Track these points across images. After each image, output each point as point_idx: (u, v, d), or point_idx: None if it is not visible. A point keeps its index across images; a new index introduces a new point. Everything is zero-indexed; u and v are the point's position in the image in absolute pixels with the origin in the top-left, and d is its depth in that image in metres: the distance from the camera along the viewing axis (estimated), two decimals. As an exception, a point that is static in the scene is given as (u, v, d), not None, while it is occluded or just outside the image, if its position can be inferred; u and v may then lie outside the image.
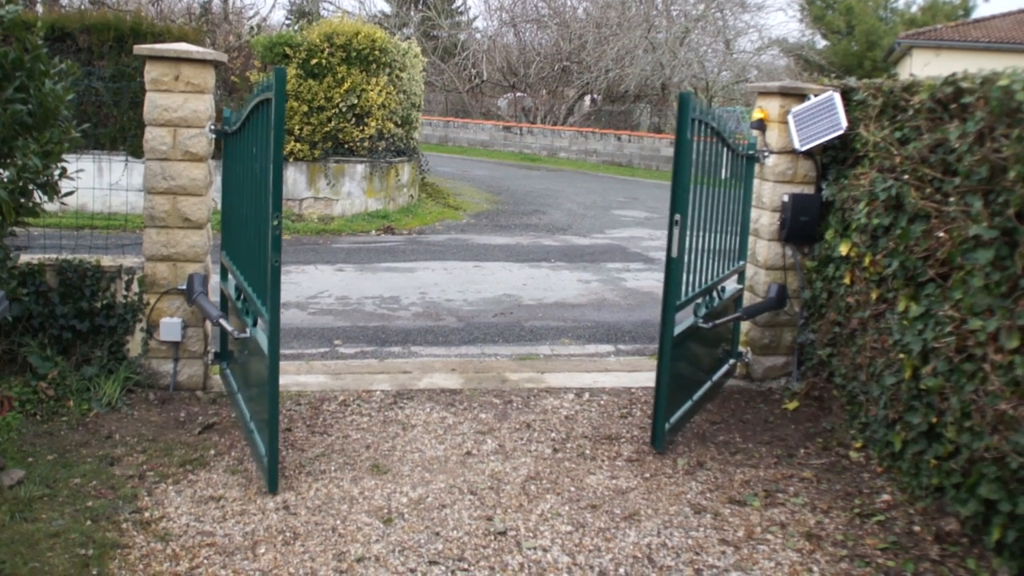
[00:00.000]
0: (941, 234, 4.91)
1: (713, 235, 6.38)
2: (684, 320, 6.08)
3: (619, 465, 5.56)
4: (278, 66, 4.94)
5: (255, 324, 5.43)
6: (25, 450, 5.29)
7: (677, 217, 5.56)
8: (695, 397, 6.34)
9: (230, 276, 6.35)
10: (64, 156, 5.51)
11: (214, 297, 6.34)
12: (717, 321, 6.27)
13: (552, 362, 7.83)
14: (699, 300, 6.27)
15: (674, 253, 5.62)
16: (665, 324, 5.72)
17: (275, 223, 4.74)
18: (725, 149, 6.47)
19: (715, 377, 6.75)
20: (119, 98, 13.69)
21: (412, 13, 40.53)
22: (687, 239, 5.89)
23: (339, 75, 15.27)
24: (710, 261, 6.33)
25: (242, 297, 5.88)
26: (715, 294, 6.57)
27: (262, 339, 5.18)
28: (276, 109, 4.71)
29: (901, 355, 5.26)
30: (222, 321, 5.70)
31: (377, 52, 15.69)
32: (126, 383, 6.20)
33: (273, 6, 55.37)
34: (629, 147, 31.60)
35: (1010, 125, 4.36)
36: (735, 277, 7.15)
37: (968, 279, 4.59)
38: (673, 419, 5.94)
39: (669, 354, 5.71)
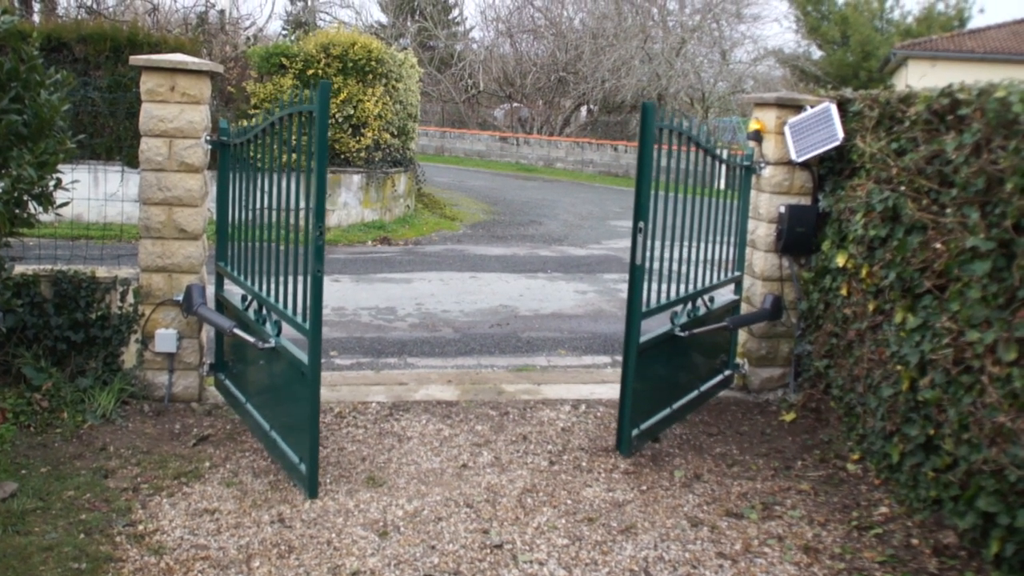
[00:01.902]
0: (938, 246, 4.91)
1: (695, 244, 6.42)
2: (660, 328, 6.14)
3: (616, 477, 5.54)
4: (323, 80, 5.05)
5: (279, 333, 5.43)
6: (18, 462, 5.26)
7: (640, 225, 5.61)
8: (675, 406, 6.35)
9: (230, 286, 6.33)
10: (60, 167, 5.49)
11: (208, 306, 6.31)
12: (695, 330, 6.27)
13: (548, 373, 7.81)
14: (676, 308, 6.28)
15: (638, 260, 5.66)
16: (630, 331, 5.77)
17: (318, 234, 4.81)
18: (708, 158, 6.49)
19: (704, 387, 6.74)
20: (115, 108, 13.68)
21: (408, 23, 40.61)
22: (666, 248, 6.01)
23: (335, 85, 15.28)
24: (691, 270, 6.35)
25: (250, 307, 5.90)
26: (700, 303, 6.56)
27: (290, 347, 5.24)
28: (319, 123, 4.80)
29: (898, 367, 5.25)
30: (238, 331, 5.68)
31: (373, 63, 15.71)
32: (121, 395, 6.17)
33: (270, 17, 55.45)
34: (626, 157, 31.65)
35: (1007, 137, 4.36)
36: (731, 288, 7.15)
37: (965, 291, 4.59)
38: (644, 426, 5.98)
39: (635, 361, 5.76)
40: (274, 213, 5.71)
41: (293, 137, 5.36)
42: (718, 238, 6.72)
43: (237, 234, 6.20)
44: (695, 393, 6.64)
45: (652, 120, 5.59)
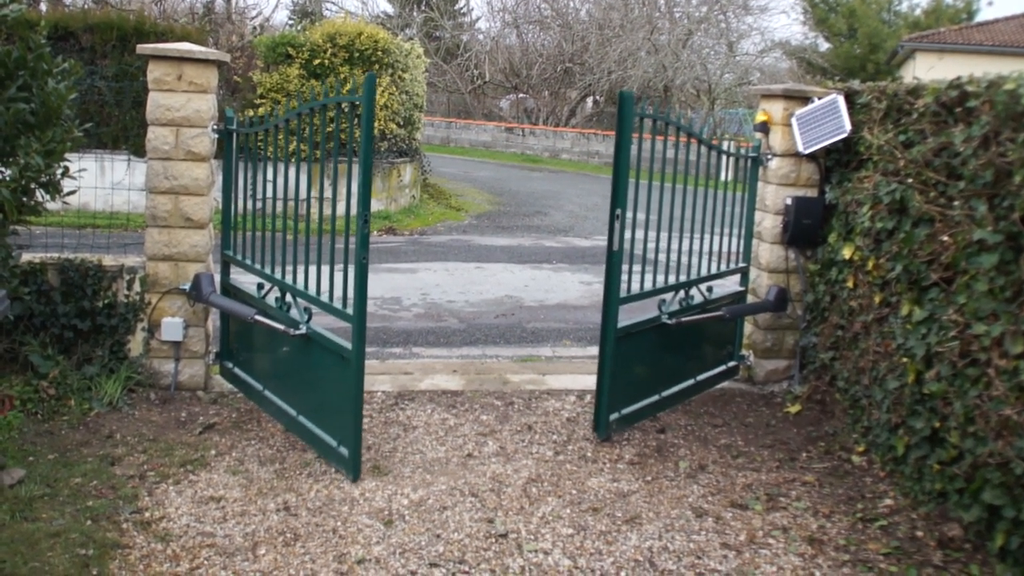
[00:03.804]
0: (945, 238, 4.90)
1: (687, 233, 6.47)
2: (646, 315, 6.22)
3: (620, 468, 5.55)
4: (369, 72, 5.18)
5: (308, 320, 5.50)
6: (26, 449, 5.28)
7: (618, 212, 5.66)
8: (665, 393, 6.41)
9: (242, 273, 6.35)
10: (66, 155, 5.50)
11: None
12: (683, 319, 6.28)
13: (554, 364, 7.81)
14: (665, 297, 6.30)
15: (615, 247, 5.70)
16: (607, 317, 5.83)
17: (363, 222, 4.89)
18: (702, 147, 6.52)
19: (702, 376, 6.77)
20: (122, 97, 13.69)
21: (415, 14, 40.51)
22: (657, 237, 6.13)
23: (341, 75, 15.27)
24: (683, 259, 6.40)
25: (268, 295, 5.95)
26: (695, 293, 6.58)
27: (326, 333, 5.35)
28: (366, 113, 4.86)
29: (904, 359, 5.24)
30: (260, 318, 5.72)
31: (380, 53, 15.69)
32: (127, 383, 6.18)
33: (276, 6, 55.33)
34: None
35: (1015, 129, 4.35)
36: (737, 280, 7.14)
37: (972, 283, 4.58)
38: (626, 411, 6.06)
39: (612, 346, 5.82)
40: (295, 201, 5.78)
41: (330, 127, 5.43)
42: (714, 227, 6.73)
43: (256, 223, 6.18)
44: (691, 382, 6.67)
45: (630, 108, 5.64)
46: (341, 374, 5.18)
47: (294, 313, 5.63)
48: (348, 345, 5.11)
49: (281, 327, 5.57)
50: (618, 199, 5.67)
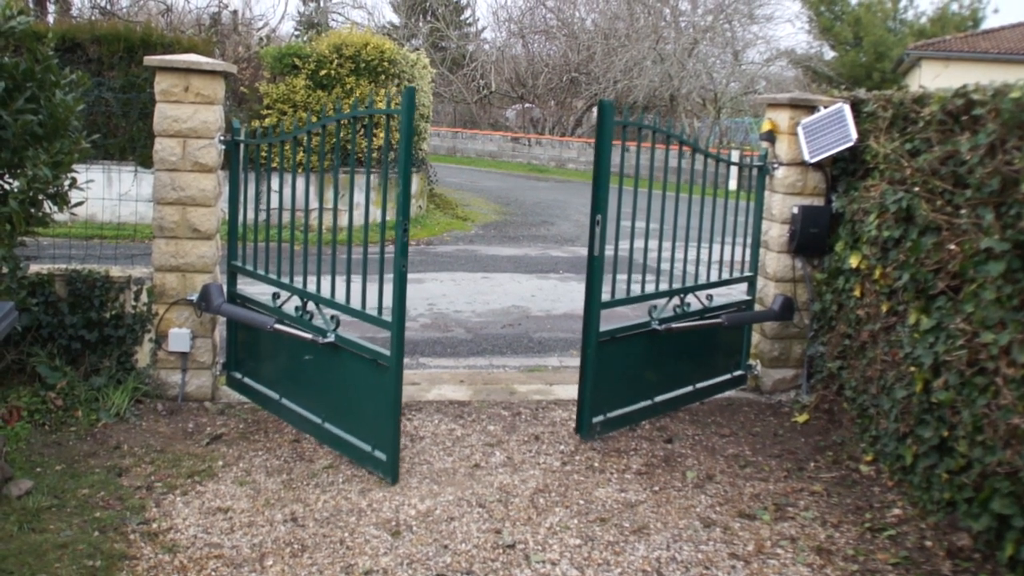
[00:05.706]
0: (952, 247, 4.89)
1: (684, 241, 6.51)
2: (634, 321, 6.28)
3: (628, 478, 5.54)
4: (408, 85, 5.30)
5: (336, 328, 5.58)
6: (33, 460, 5.29)
7: (598, 218, 5.71)
8: (657, 399, 6.44)
9: (249, 283, 6.38)
10: (74, 166, 5.53)
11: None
12: (675, 325, 6.28)
13: (561, 374, 7.80)
14: (656, 303, 6.32)
15: (595, 252, 5.74)
16: (588, 321, 5.87)
17: (402, 231, 5.01)
18: (698, 155, 6.55)
19: (701, 384, 6.77)
20: (129, 109, 13.75)
21: (421, 24, 40.64)
22: (649, 244, 6.22)
23: (348, 86, 15.32)
24: (676, 266, 6.44)
25: (283, 304, 6.00)
26: (693, 300, 6.58)
27: (359, 340, 5.42)
28: (405, 125, 4.94)
29: (912, 368, 5.22)
30: (279, 327, 5.76)
31: (386, 63, 15.73)
32: (134, 393, 6.20)
33: (282, 17, 55.65)
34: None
35: (1022, 137, 4.34)
36: (744, 287, 7.14)
37: (980, 292, 4.57)
38: (613, 414, 6.10)
39: (594, 350, 5.86)
40: (318, 210, 5.97)
41: (361, 138, 5.47)
42: (712, 235, 6.74)
43: (271, 234, 6.20)
44: (689, 388, 6.67)
45: (610, 117, 5.73)
46: (377, 380, 5.26)
47: (318, 322, 5.67)
48: (384, 351, 5.20)
49: (308, 336, 5.62)
50: (598, 205, 5.73)
